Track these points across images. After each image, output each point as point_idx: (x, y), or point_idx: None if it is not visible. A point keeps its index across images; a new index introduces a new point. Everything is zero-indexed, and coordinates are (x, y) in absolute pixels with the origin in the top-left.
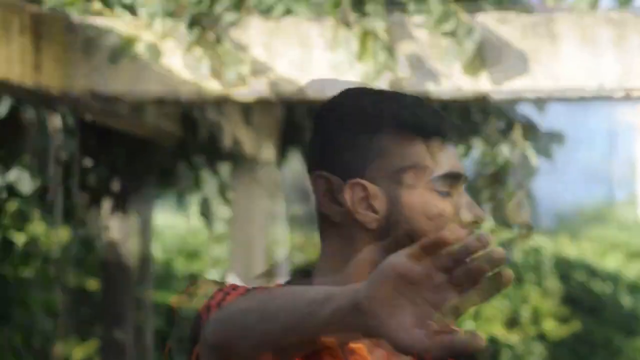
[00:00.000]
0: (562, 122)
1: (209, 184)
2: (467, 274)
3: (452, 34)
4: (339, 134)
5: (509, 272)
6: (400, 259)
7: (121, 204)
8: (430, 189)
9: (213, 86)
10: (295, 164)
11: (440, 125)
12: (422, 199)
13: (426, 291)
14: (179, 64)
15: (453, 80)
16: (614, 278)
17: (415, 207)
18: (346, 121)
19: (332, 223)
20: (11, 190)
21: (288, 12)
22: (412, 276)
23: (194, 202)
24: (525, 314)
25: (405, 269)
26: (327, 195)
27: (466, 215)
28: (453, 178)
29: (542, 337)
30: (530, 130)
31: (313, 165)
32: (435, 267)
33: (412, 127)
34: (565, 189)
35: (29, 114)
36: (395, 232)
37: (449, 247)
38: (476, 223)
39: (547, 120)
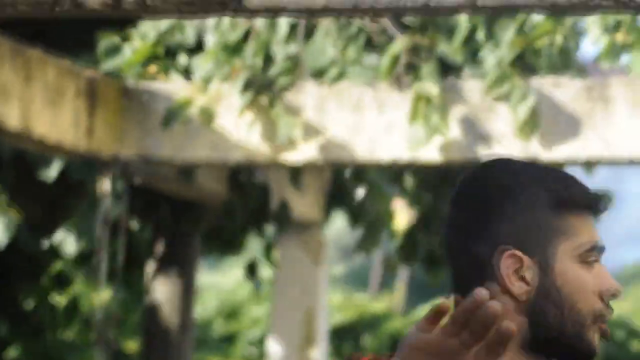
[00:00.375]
0: (608, 182)
1: (254, 244)
2: (497, 337)
3: (506, 97)
4: (497, 209)
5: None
6: (427, 335)
7: (165, 266)
8: (581, 261)
9: (264, 149)
10: (339, 224)
11: (592, 199)
12: (574, 272)
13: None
14: (230, 126)
15: (504, 144)
16: None
17: (568, 280)
18: (505, 196)
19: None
20: (56, 252)
21: (341, 75)
22: (442, 348)
23: (236, 263)
24: None
25: (435, 343)
26: (515, 273)
27: (608, 287)
28: (599, 250)
29: None
30: None
31: (468, 238)
32: (465, 335)
33: (570, 202)
34: (608, 248)
35: (79, 176)
36: (544, 304)
37: (481, 314)
38: (615, 296)
39: (594, 180)
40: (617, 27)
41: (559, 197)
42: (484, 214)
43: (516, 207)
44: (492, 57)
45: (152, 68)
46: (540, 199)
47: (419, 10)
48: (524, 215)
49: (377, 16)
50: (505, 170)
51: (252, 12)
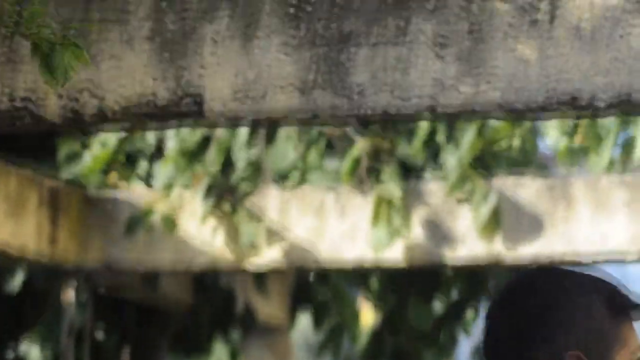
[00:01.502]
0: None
1: (221, 349)
2: None
3: (468, 198)
4: (554, 316)
5: None
6: None
7: None
8: None
9: (227, 254)
10: (305, 322)
11: (638, 305)
12: None
13: None
14: (193, 232)
15: (467, 244)
16: None
17: None
18: (560, 303)
19: None
20: None
21: (303, 179)
22: None
23: None
24: None
25: None
26: None
27: None
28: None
29: None
30: None
31: (523, 344)
32: None
33: (622, 308)
34: None
35: (42, 286)
36: None
37: None
38: None
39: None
40: (575, 129)
41: (613, 304)
42: (541, 321)
43: (574, 314)
44: (453, 159)
45: (113, 175)
46: (596, 306)
47: (379, 117)
48: (584, 322)
49: (337, 124)
50: (555, 278)
51: (212, 122)
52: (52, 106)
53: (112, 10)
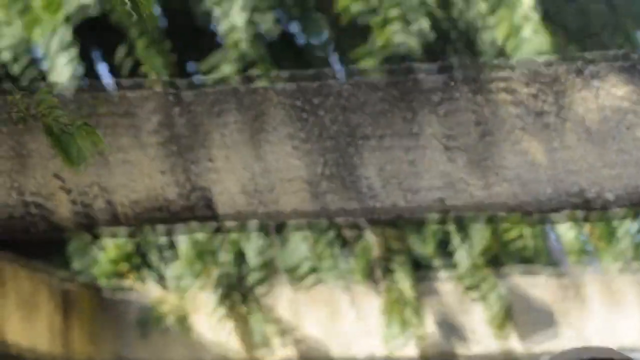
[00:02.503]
0: None
1: None
2: None
3: (481, 295)
4: None
5: None
6: None
7: None
8: None
9: (239, 349)
10: None
11: None
12: None
13: None
14: (205, 327)
15: (480, 340)
16: None
17: None
18: None
19: None
20: None
21: (315, 275)
22: None
23: None
24: None
25: None
26: None
27: None
28: None
29: None
30: None
31: None
32: None
33: None
34: None
35: None
36: None
37: None
38: None
39: None
40: (585, 220)
41: None
42: None
43: None
44: (464, 254)
45: (124, 269)
46: None
47: (388, 210)
48: None
49: (346, 216)
50: None
51: (222, 219)
52: (63, 208)
53: (120, 104)
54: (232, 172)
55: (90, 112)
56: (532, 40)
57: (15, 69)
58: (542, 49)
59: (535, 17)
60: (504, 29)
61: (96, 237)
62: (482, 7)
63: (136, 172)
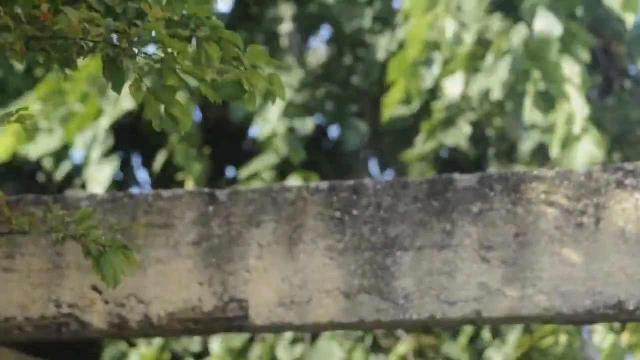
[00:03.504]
0: None
1: None
2: None
3: None
4: None
5: None
6: None
7: None
8: None
9: None
10: None
11: None
12: None
13: None
14: None
15: None
16: None
17: None
18: None
19: None
20: None
21: None
22: None
23: None
24: None
25: None
26: None
27: None
28: None
29: None
30: None
31: None
32: None
33: None
34: None
35: None
36: None
37: None
38: None
39: None
40: (622, 328)
41: None
42: None
43: None
44: (499, 357)
45: None
46: None
47: (425, 322)
48: None
49: (383, 329)
50: None
51: (259, 330)
52: (99, 314)
53: (159, 215)
54: (268, 284)
55: (129, 222)
56: (584, 149)
57: (56, 175)
58: (592, 158)
59: (593, 129)
60: (558, 138)
61: (132, 345)
62: (532, 115)
63: (171, 277)
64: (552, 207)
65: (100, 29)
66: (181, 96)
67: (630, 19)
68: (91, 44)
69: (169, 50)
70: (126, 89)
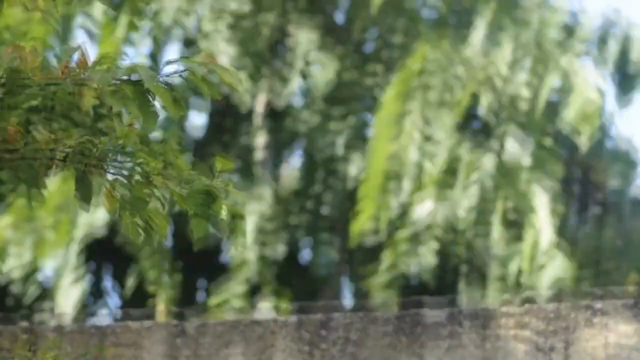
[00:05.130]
0: None
1: None
2: None
3: None
4: None
5: None
6: None
7: None
8: None
9: None
10: None
11: None
12: None
13: None
14: None
15: None
16: None
17: None
18: None
19: None
20: None
21: None
22: None
23: None
24: None
25: None
26: None
27: None
28: None
29: None
30: None
31: None
32: None
33: None
34: None
35: None
36: None
37: None
38: None
39: None
40: None
41: None
42: None
43: None
44: None
45: None
46: None
47: None
48: None
49: None
50: None
51: None
52: None
53: (127, 347)
54: None
55: (96, 343)
56: (551, 275)
57: (25, 298)
58: (560, 285)
59: (561, 256)
60: (525, 264)
61: None
62: (498, 237)
63: None
64: (521, 343)
65: (69, 145)
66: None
67: (588, 130)
68: (60, 161)
69: (140, 161)
70: (99, 201)
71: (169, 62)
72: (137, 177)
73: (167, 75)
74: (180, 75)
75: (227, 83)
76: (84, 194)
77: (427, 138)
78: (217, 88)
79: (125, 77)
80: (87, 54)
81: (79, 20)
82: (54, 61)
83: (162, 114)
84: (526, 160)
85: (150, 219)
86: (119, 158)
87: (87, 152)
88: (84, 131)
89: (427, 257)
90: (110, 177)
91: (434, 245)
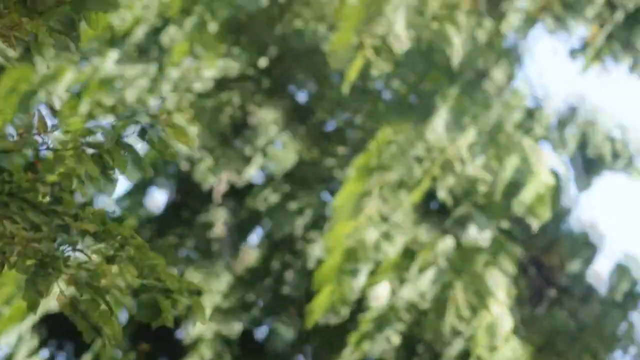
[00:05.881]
0: None
1: None
2: None
3: None
4: None
5: None
6: None
7: None
8: None
9: None
10: None
11: None
12: None
13: None
14: None
15: None
16: None
17: None
18: None
19: None
20: None
21: None
22: None
23: None
24: None
25: None
26: None
27: None
28: None
29: None
30: None
31: None
32: None
33: None
34: None
35: None
36: None
37: None
38: None
39: None
40: None
41: None
42: None
43: None
44: None
45: None
46: None
47: None
48: None
49: None
50: None
51: None
52: None
53: None
54: None
55: None
56: (506, 354)
57: None
58: None
59: (515, 339)
60: (480, 347)
61: None
62: (455, 319)
63: None
64: None
65: (22, 243)
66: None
67: (547, 214)
68: (13, 259)
69: (95, 260)
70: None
71: (126, 120)
72: (90, 271)
73: (126, 137)
74: (139, 136)
75: (181, 142)
76: (32, 299)
77: (386, 219)
78: (172, 149)
79: (84, 140)
80: (44, 120)
81: (42, 95)
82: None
83: (122, 185)
84: (484, 243)
85: (102, 324)
86: (73, 255)
87: (38, 251)
88: (39, 217)
89: (391, 339)
90: (64, 275)
91: (399, 326)
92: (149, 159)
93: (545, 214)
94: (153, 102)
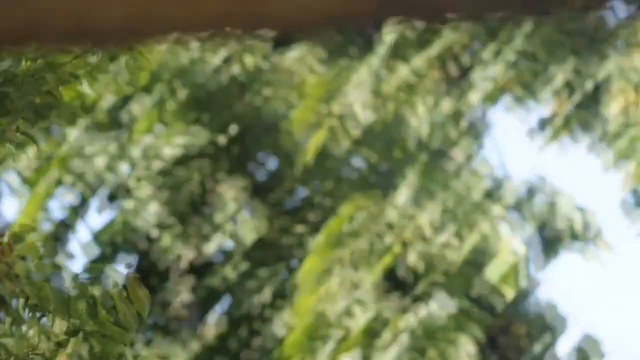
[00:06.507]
0: None
1: None
2: None
3: None
4: None
5: None
6: None
7: None
8: None
9: None
10: None
11: None
12: None
13: None
14: None
15: None
16: None
17: None
18: None
19: None
20: None
21: None
22: None
23: None
24: None
25: None
26: None
27: None
28: None
29: None
30: None
31: None
32: None
33: None
34: None
35: None
36: None
37: None
38: None
39: None
40: None
41: None
42: None
43: None
44: None
45: None
46: None
47: None
48: None
49: None
50: None
51: None
52: None
53: None
54: None
55: None
56: None
57: None
58: None
59: None
60: None
61: None
62: None
63: None
64: None
65: None
66: None
67: (509, 294)
68: None
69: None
70: None
71: (85, 271)
72: None
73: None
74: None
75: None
76: None
77: (348, 298)
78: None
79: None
80: (11, 241)
81: (1, 172)
82: None
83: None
84: (447, 322)
85: None
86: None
87: None
88: None
89: None
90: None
91: None
92: (107, 236)
93: (510, 293)
94: (112, 179)
